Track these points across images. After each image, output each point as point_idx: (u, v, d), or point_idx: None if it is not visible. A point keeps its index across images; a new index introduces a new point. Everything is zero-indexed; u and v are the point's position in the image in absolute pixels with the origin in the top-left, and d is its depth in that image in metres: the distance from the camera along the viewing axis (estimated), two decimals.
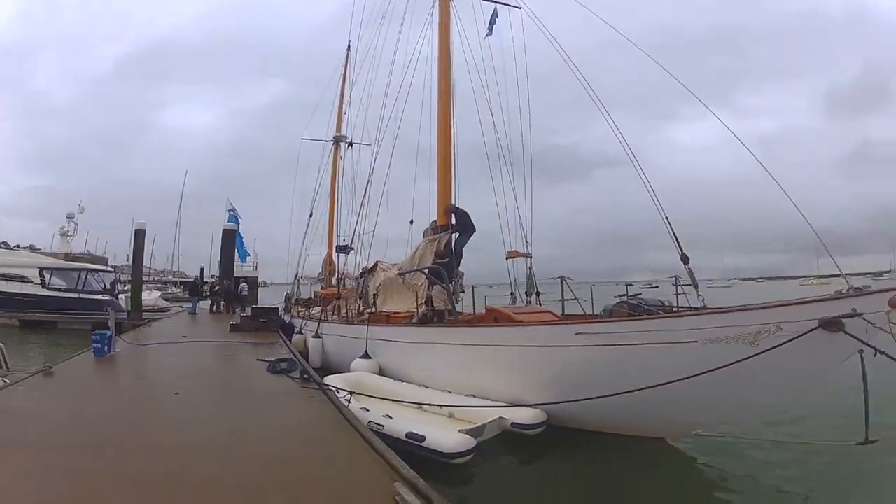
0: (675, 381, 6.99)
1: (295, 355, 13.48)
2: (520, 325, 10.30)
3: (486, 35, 16.64)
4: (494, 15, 16.53)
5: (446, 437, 7.65)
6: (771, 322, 6.62)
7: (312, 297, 28.53)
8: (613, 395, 7.51)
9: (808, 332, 6.32)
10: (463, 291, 14.65)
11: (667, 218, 9.85)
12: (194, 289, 36.25)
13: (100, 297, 32.22)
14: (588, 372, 8.29)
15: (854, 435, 6.55)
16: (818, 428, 9.53)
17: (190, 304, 33.21)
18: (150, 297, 38.04)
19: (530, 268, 15.18)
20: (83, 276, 33.30)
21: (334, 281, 29.02)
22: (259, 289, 47.21)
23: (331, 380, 10.88)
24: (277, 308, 24.47)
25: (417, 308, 13.77)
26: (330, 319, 17.79)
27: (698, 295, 9.22)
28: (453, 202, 15.16)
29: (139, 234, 27.03)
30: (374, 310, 14.73)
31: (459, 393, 9.98)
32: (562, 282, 10.51)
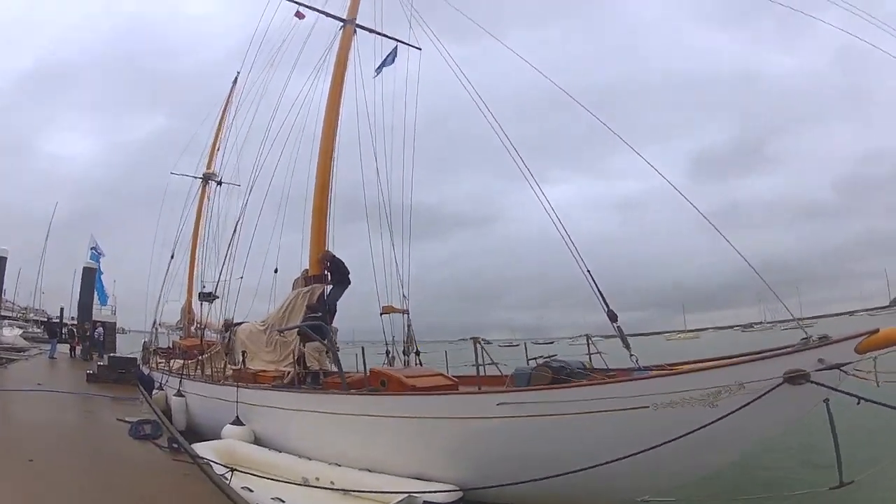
0: (626, 457, 6.55)
1: (159, 417, 12.67)
2: (423, 393, 9.50)
3: (376, 74, 16.58)
4: (393, 53, 16.61)
5: None
6: (733, 382, 6.27)
7: (171, 346, 26.91)
8: (550, 476, 6.91)
9: (774, 388, 6.08)
10: (338, 349, 13.69)
11: (589, 271, 9.48)
12: (52, 330, 33.96)
13: None
14: (514, 446, 7.60)
15: (828, 479, 6.45)
16: (786, 475, 9.49)
17: (49, 346, 30.83)
18: (10, 334, 35.48)
19: (409, 325, 14.92)
20: None
21: (193, 330, 27.68)
22: (117, 335, 44.85)
23: (199, 448, 10.10)
24: (136, 359, 23.05)
25: (293, 367, 12.99)
26: (193, 376, 16.59)
27: (631, 355, 8.49)
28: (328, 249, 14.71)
29: (0, 263, 24.63)
30: (243, 368, 13.85)
31: (352, 466, 9.24)
32: (474, 343, 9.53)
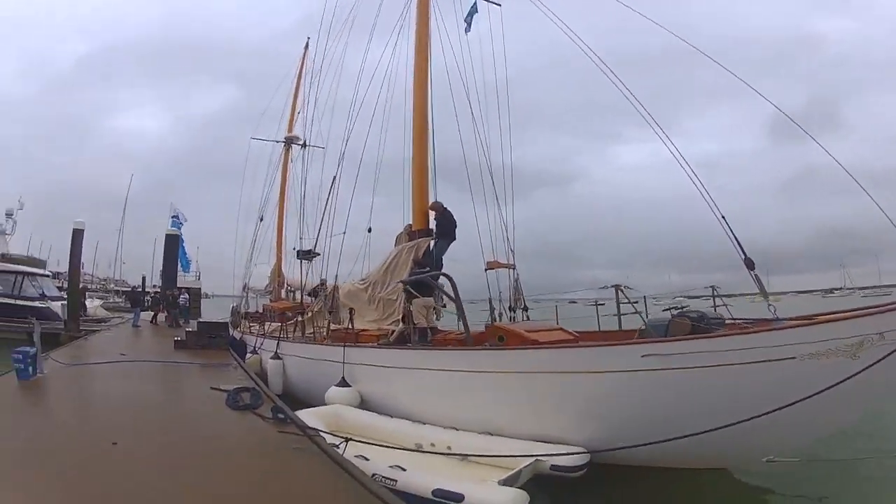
0: (773, 411, 6.12)
1: (258, 384, 11.32)
2: (557, 346, 8.89)
3: (466, 30, 15.54)
4: (474, 8, 15.57)
5: (493, 494, 6.22)
6: (874, 331, 5.97)
7: (263, 310, 26.18)
8: (700, 433, 6.39)
9: None
10: (444, 306, 13.66)
11: (723, 217, 8.34)
12: (135, 299, 33.51)
13: (36, 303, 29.02)
14: (657, 402, 7.11)
15: None
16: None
17: (132, 315, 30.33)
18: (90, 305, 35.24)
19: (516, 279, 13.97)
20: (19, 280, 30.30)
21: (283, 293, 27.62)
22: (202, 300, 44.57)
23: (304, 416, 8.86)
24: (227, 323, 21.93)
25: (397, 325, 12.62)
26: (292, 337, 15.57)
27: (769, 305, 7.60)
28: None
29: (77, 236, 23.96)
30: (350, 327, 12.61)
31: (469, 429, 8.60)
32: (616, 291, 8.98)
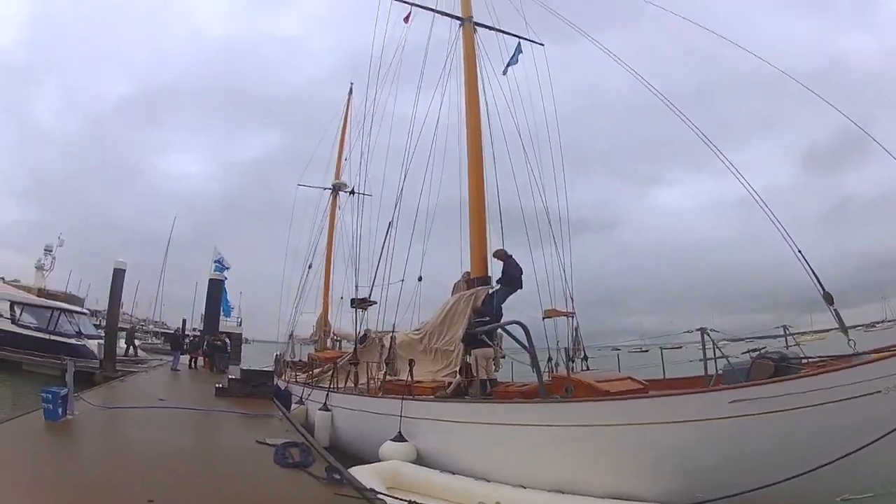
0: (862, 448, 6.01)
1: (307, 439, 10.43)
2: (635, 396, 8.50)
3: (504, 70, 15.68)
4: (518, 50, 15.73)
5: None
6: None
7: (308, 359, 25.34)
8: (792, 477, 6.27)
9: None
10: (504, 356, 13.02)
11: (800, 251, 8.27)
12: (176, 342, 32.49)
13: (72, 341, 28.76)
14: (746, 449, 6.79)
15: None
16: None
17: (172, 358, 29.77)
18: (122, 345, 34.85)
19: (576, 328, 13.43)
20: (55, 316, 29.91)
21: (329, 343, 27.17)
22: (242, 345, 44.12)
23: (359, 473, 8.12)
24: (272, 372, 21.19)
25: (453, 377, 12.25)
26: (343, 388, 14.78)
27: (849, 340, 7.45)
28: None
29: (117, 275, 23.90)
30: (409, 379, 11.73)
31: (538, 487, 8.12)
32: (702, 335, 8.56)
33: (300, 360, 26.40)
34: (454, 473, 9.14)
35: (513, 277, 12.99)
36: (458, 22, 16.15)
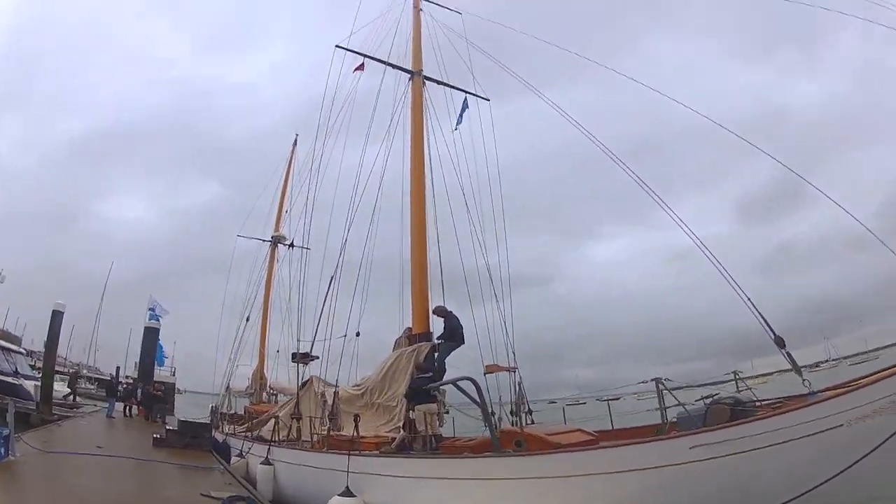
0: (833, 478, 6.32)
1: (253, 494, 10.42)
2: (594, 447, 8.47)
3: (455, 128, 15.94)
4: (465, 105, 16.10)
5: None
6: None
7: (245, 412, 25.15)
8: None
9: None
10: (447, 412, 13.20)
11: (749, 299, 8.41)
12: (111, 388, 31.78)
13: (9, 380, 26.80)
14: (708, 492, 6.90)
15: None
16: None
17: (107, 405, 28.99)
18: (63, 389, 33.68)
19: (519, 383, 13.34)
20: None
21: (265, 396, 27.08)
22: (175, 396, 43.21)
23: None
24: (210, 424, 20.79)
25: (397, 432, 12.10)
26: (286, 443, 14.58)
27: (804, 380, 7.60)
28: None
29: (56, 317, 23.37)
30: (355, 435, 11.53)
31: None
32: (657, 385, 8.68)
33: (236, 413, 25.99)
34: None
35: (455, 332, 13.06)
36: (408, 75, 16.48)
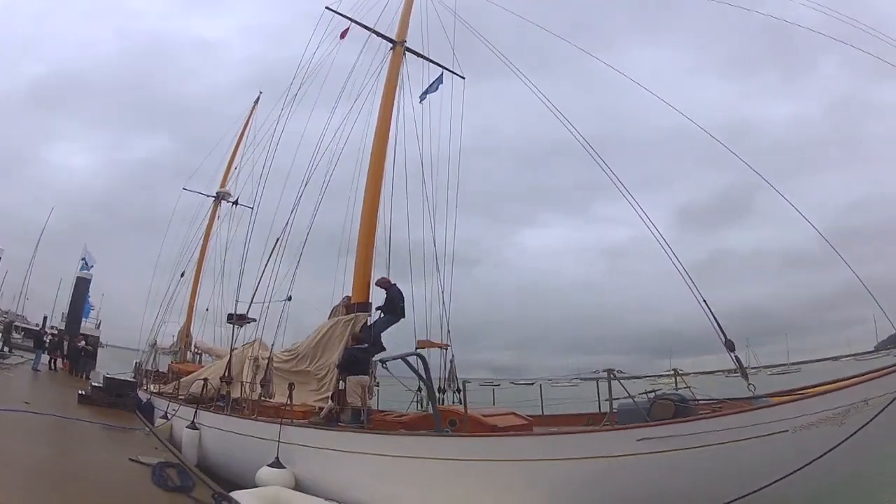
0: (775, 482, 6.58)
1: (182, 461, 10.38)
2: (542, 434, 8.46)
3: (421, 98, 15.77)
4: (439, 80, 15.91)
5: None
6: (860, 399, 6.34)
7: (168, 370, 24.58)
8: None
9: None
10: (377, 384, 13.03)
11: (705, 301, 8.36)
12: (39, 340, 30.84)
13: None
14: (651, 484, 6.95)
15: None
16: None
17: (33, 357, 28.42)
18: None
19: (451, 360, 13.39)
20: None
21: (189, 356, 26.39)
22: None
23: (240, 498, 8.12)
24: (135, 383, 20.46)
25: (325, 402, 11.90)
26: (214, 407, 13.92)
27: (749, 384, 7.86)
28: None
29: None
30: (288, 404, 11.21)
31: None
32: (609, 375, 8.27)
33: (160, 371, 25.30)
34: (337, 502, 8.89)
35: (395, 306, 12.98)
36: (390, 45, 16.20)
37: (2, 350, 30.21)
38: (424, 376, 10.17)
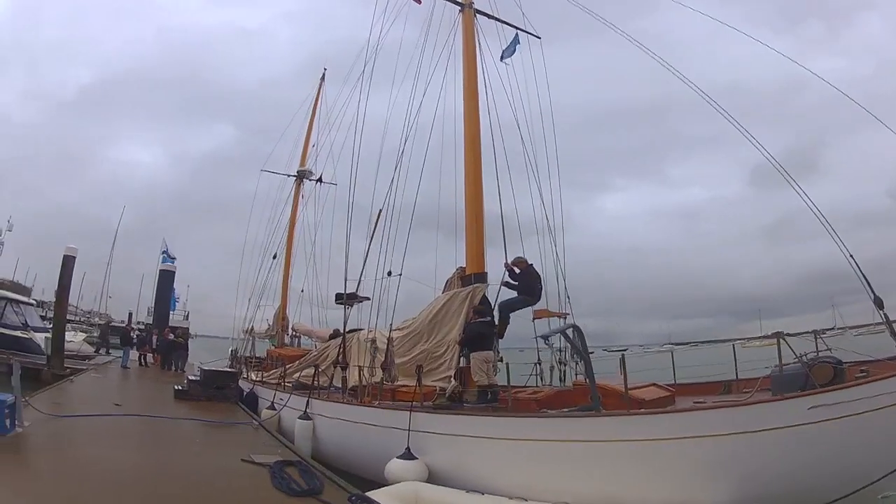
0: None
1: (301, 456, 9.26)
2: (704, 407, 7.83)
3: (502, 57, 15.02)
4: (515, 40, 15.27)
5: None
6: None
7: (267, 356, 23.84)
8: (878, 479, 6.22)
9: None
10: (501, 359, 11.79)
11: (852, 256, 7.96)
12: (125, 337, 30.43)
13: (18, 333, 26.11)
14: (823, 454, 6.51)
15: None
16: None
17: (122, 355, 28.01)
18: (74, 339, 32.28)
19: (576, 328, 11.71)
20: (1, 307, 27.04)
21: (287, 339, 25.81)
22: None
23: (377, 497, 7.05)
24: (236, 372, 19.51)
25: (447, 382, 11.14)
26: (329, 395, 13.02)
27: None
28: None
29: (68, 262, 21.16)
30: (418, 388, 10.37)
31: None
32: (777, 339, 7.92)
33: (259, 358, 24.78)
34: (483, 493, 7.90)
35: (532, 288, 11.91)
36: (458, 7, 15.25)
37: (98, 351, 30.42)
38: (581, 349, 8.95)
